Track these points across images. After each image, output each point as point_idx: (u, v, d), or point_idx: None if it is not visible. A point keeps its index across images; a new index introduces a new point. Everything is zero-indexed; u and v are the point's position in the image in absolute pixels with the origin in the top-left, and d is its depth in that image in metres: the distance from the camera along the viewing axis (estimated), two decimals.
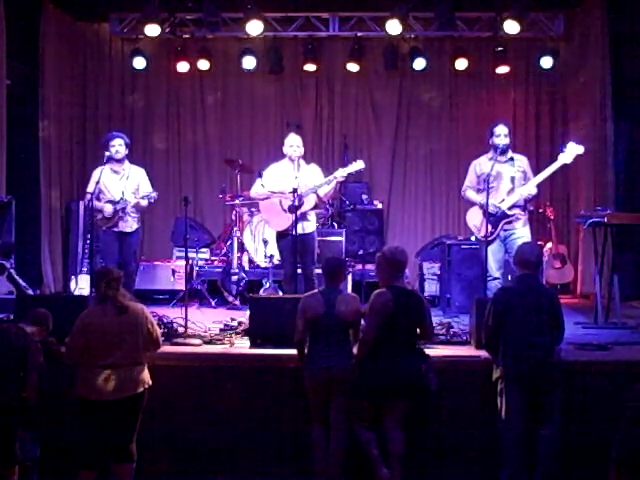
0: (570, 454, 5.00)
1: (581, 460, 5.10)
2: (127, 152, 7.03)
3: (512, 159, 6.59)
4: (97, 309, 4.57)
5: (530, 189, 6.45)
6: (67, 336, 4.59)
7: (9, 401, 4.42)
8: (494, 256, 6.47)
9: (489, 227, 6.41)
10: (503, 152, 6.53)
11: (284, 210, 6.56)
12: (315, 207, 6.72)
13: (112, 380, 4.40)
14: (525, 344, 4.68)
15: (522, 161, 6.64)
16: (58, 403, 5.01)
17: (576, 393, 5.12)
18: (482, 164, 6.63)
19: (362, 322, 4.91)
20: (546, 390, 4.74)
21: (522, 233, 6.46)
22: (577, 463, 5.08)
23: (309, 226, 6.67)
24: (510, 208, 6.45)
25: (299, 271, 6.60)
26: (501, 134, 6.51)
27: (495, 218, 6.42)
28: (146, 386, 4.57)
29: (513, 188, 6.49)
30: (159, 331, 4.76)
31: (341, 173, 6.51)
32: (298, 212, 6.38)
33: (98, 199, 6.87)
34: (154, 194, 6.91)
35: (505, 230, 6.48)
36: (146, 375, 4.59)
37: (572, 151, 6.41)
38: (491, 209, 6.38)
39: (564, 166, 6.57)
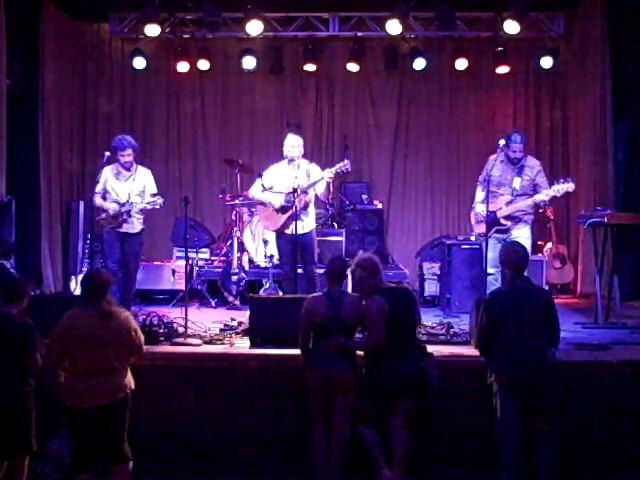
0: (570, 454, 5.01)
1: (581, 460, 5.11)
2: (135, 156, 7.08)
3: (522, 167, 6.64)
4: (79, 312, 4.43)
5: (536, 198, 6.52)
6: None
7: (13, 387, 4.44)
8: (489, 253, 6.53)
9: (483, 228, 6.56)
10: (515, 163, 6.64)
11: (275, 210, 6.65)
12: (305, 207, 6.74)
13: (92, 387, 4.32)
14: (517, 348, 4.68)
15: (532, 168, 6.65)
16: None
17: (576, 393, 5.13)
18: (494, 165, 6.62)
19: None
20: (538, 392, 4.73)
21: (517, 233, 6.59)
22: (577, 463, 5.09)
23: (306, 226, 6.70)
24: (506, 218, 6.58)
25: (300, 271, 6.63)
26: (517, 149, 6.58)
27: (489, 222, 6.56)
28: (128, 391, 4.47)
29: (512, 200, 6.58)
30: (142, 337, 4.62)
31: (328, 174, 6.63)
32: (289, 212, 6.47)
33: (104, 199, 6.94)
34: (160, 201, 6.94)
35: (500, 233, 6.61)
36: (128, 380, 4.49)
37: (564, 187, 6.43)
38: (485, 213, 6.52)
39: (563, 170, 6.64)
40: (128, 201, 6.91)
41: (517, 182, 6.61)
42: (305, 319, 4.82)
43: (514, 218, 6.60)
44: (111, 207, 6.90)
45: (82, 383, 4.33)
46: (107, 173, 6.99)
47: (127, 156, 6.95)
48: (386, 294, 4.78)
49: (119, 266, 6.91)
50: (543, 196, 6.51)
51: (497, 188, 6.61)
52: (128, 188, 6.97)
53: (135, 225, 7.01)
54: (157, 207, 7.00)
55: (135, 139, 6.87)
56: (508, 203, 6.58)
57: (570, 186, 6.44)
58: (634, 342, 5.91)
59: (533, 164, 6.70)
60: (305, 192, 6.63)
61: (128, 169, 7.01)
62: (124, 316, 4.52)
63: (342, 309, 4.73)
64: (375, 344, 4.73)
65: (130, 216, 6.93)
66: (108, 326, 4.38)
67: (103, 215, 6.96)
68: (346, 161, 6.67)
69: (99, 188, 6.98)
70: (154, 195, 7.03)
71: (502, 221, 6.58)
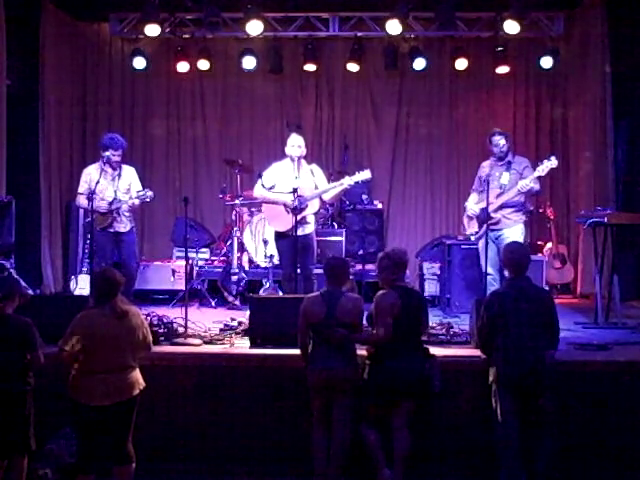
0: (570, 454, 5.01)
1: (581, 460, 5.10)
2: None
3: (510, 163, 6.82)
4: (96, 312, 4.45)
5: (519, 184, 6.60)
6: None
7: (13, 387, 4.44)
8: (487, 254, 6.58)
9: (476, 226, 6.85)
10: (501, 159, 6.84)
11: (287, 211, 6.55)
12: (317, 211, 6.74)
13: (107, 385, 4.36)
14: (516, 349, 4.70)
15: (519, 164, 6.83)
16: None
17: (576, 393, 5.13)
18: (484, 167, 7.00)
19: (364, 322, 4.93)
20: (537, 393, 4.75)
21: (509, 233, 6.65)
22: (577, 463, 5.08)
23: (308, 227, 6.69)
24: (495, 211, 6.67)
25: (298, 271, 6.61)
26: (499, 144, 6.83)
27: (480, 219, 6.77)
28: (141, 387, 4.53)
29: (502, 193, 6.70)
30: (151, 336, 4.68)
31: (348, 181, 6.52)
32: (301, 215, 6.43)
33: (89, 200, 6.82)
34: (150, 193, 6.86)
35: (492, 230, 6.70)
36: (139, 377, 4.54)
37: (547, 165, 6.51)
38: (475, 211, 6.82)
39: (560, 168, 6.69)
40: (116, 199, 6.87)
41: (505, 177, 6.76)
42: (302, 319, 4.82)
43: (502, 208, 6.67)
44: (101, 205, 6.83)
45: (98, 381, 4.35)
46: (92, 172, 6.93)
47: (118, 156, 6.93)
48: (400, 291, 4.80)
49: (115, 267, 6.88)
50: (527, 181, 6.56)
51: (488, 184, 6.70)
52: (114, 186, 6.93)
53: (125, 223, 6.99)
54: (147, 200, 6.93)
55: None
56: (497, 196, 6.69)
57: (552, 163, 6.50)
58: (634, 342, 5.91)
59: (521, 160, 6.90)
60: (320, 197, 6.62)
61: (115, 168, 6.98)
62: (137, 312, 4.60)
63: (339, 310, 4.72)
64: (382, 337, 4.70)
65: (120, 214, 6.91)
66: (124, 325, 4.44)
67: (93, 216, 6.91)
68: (367, 171, 6.56)
69: (84, 188, 6.90)
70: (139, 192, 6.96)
71: (492, 215, 6.66)
